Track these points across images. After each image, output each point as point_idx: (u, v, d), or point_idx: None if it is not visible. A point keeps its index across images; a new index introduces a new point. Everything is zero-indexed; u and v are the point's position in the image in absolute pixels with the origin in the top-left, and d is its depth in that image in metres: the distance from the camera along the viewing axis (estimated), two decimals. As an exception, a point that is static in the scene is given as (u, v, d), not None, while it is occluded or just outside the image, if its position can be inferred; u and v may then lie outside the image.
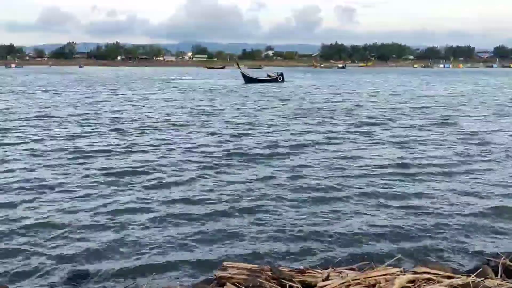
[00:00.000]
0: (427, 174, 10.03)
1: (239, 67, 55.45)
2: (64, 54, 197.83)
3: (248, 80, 48.88)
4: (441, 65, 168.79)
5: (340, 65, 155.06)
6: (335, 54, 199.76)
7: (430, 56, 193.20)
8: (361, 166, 10.71)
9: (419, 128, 16.80)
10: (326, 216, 7.44)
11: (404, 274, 4.40)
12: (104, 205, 7.84)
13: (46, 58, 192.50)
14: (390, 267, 4.58)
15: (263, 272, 4.54)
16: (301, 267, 4.85)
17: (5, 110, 21.70)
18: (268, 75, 50.17)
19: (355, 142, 13.82)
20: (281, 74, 49.41)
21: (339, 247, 6.27)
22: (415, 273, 4.47)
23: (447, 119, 19.29)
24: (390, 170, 10.37)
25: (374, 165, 10.73)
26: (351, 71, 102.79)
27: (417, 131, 16.10)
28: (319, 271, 4.68)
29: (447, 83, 55.38)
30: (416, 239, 6.53)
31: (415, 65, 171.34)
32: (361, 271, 4.52)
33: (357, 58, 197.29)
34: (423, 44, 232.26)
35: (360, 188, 8.94)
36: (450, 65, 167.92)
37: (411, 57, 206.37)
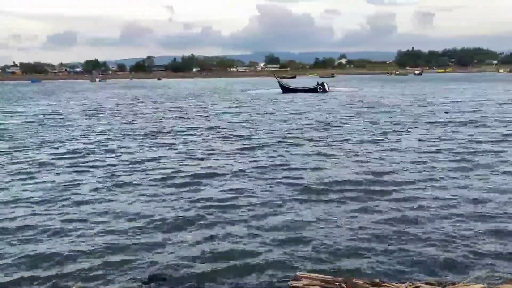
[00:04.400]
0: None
1: (275, 76, 56.29)
2: (143, 68, 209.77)
3: (285, 90, 49.16)
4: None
5: (417, 72, 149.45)
6: (411, 61, 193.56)
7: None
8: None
9: None
10: (405, 227, 7.19)
11: (488, 292, 4.16)
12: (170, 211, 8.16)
13: (127, 72, 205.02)
14: (473, 283, 4.35)
15: (337, 284, 4.48)
16: (376, 280, 4.73)
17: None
18: (317, 83, 49.95)
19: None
20: (322, 84, 48.98)
21: (417, 259, 6.03)
22: (501, 291, 4.20)
23: None
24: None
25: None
26: (433, 79, 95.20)
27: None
28: (396, 284, 4.55)
29: None
30: (504, 255, 6.13)
31: (500, 70, 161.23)
32: (441, 287, 4.32)
33: (435, 64, 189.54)
34: (506, 48, 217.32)
35: (449, 201, 8.55)
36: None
37: (495, 61, 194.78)
